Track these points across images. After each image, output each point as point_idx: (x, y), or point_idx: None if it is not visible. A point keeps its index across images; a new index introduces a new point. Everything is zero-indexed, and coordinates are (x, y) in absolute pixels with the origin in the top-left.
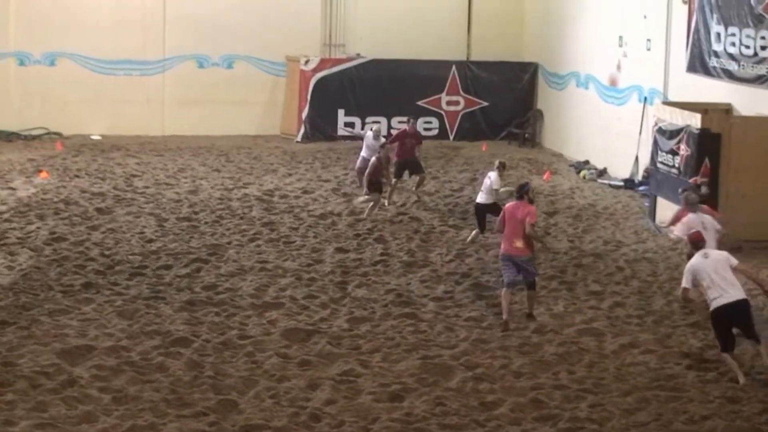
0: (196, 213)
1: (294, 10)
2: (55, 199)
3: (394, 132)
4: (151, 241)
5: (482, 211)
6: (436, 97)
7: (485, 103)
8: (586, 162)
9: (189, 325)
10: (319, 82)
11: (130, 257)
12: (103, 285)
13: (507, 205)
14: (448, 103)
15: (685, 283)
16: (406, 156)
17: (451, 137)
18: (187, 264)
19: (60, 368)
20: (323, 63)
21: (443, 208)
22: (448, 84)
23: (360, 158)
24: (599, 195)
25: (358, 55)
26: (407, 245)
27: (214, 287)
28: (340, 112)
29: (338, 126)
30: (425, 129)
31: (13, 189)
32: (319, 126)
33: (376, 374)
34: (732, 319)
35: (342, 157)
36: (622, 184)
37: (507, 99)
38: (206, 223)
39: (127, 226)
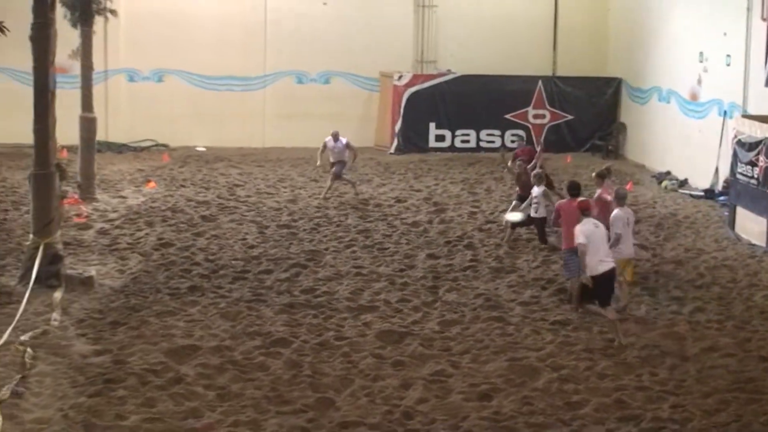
0: (295, 221)
1: (388, 29)
2: (163, 207)
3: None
4: (252, 247)
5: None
6: (523, 110)
7: (570, 117)
8: (668, 173)
9: (288, 327)
10: (412, 97)
11: (233, 262)
12: (208, 288)
13: (561, 202)
14: (535, 116)
15: (583, 240)
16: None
17: (538, 149)
18: (287, 269)
19: (167, 366)
20: (415, 78)
21: None
22: (534, 98)
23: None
24: (680, 205)
25: (449, 71)
26: (495, 252)
27: (312, 291)
28: (431, 125)
29: (429, 138)
30: (512, 142)
31: (123, 197)
32: (411, 138)
33: (465, 374)
34: (604, 283)
35: (433, 168)
36: (702, 194)
37: (591, 112)
38: (304, 230)
39: (230, 233)
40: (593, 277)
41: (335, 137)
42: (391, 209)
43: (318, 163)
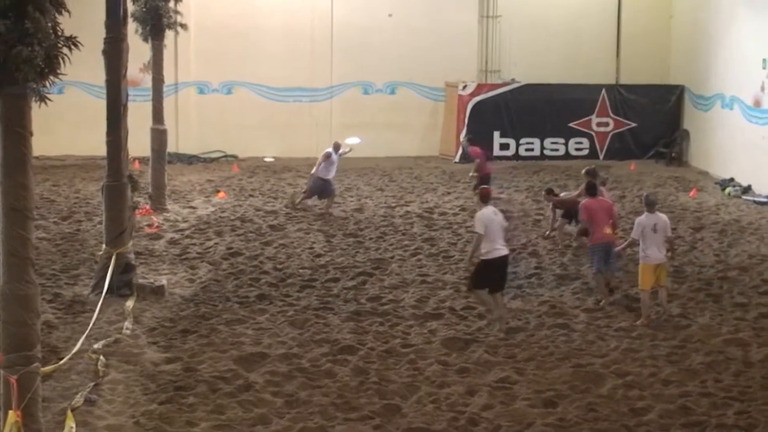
0: (361, 229)
1: (452, 39)
2: (232, 217)
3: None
4: (319, 255)
5: None
6: (587, 118)
7: (633, 124)
8: (731, 179)
9: (355, 334)
10: (476, 106)
11: (301, 271)
12: (276, 296)
13: (585, 202)
14: (598, 124)
15: (480, 229)
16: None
17: (601, 157)
18: (353, 277)
19: (237, 374)
20: (480, 88)
21: None
22: (598, 106)
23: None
24: (744, 211)
25: (513, 80)
26: (560, 259)
27: (378, 299)
28: (496, 134)
29: (494, 147)
30: (576, 149)
31: (193, 208)
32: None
33: (530, 381)
34: (498, 268)
35: (497, 176)
36: (766, 200)
37: (654, 120)
38: (371, 239)
39: (298, 242)
40: (486, 261)
41: (336, 149)
42: (455, 218)
43: (312, 176)
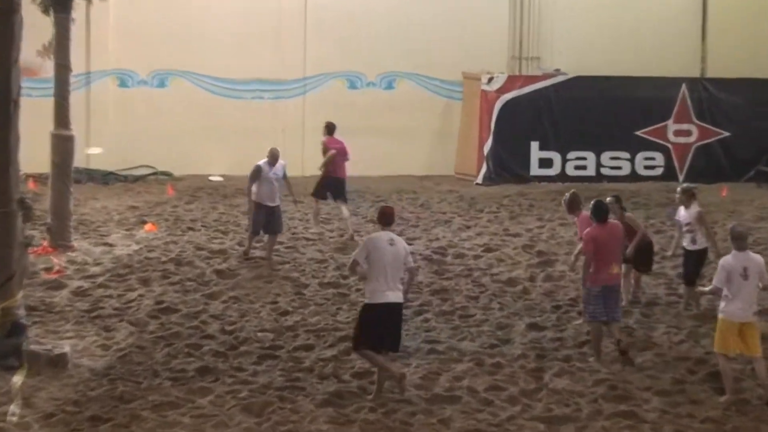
0: (345, 277)
1: (474, 16)
2: (164, 259)
3: None
4: (286, 313)
5: None
6: (661, 125)
7: (726, 134)
8: None
9: (335, 425)
10: (507, 107)
11: (260, 334)
12: (224, 370)
13: (591, 230)
14: (677, 133)
15: (359, 258)
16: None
17: (681, 178)
18: (333, 343)
19: None
20: (511, 82)
21: (671, 272)
22: (676, 108)
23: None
24: None
25: (558, 72)
26: (623, 320)
27: (368, 374)
28: (533, 146)
29: (531, 163)
30: (646, 167)
31: (109, 245)
32: (507, 164)
33: None
34: (384, 320)
35: (536, 203)
36: None
37: (756, 127)
38: (358, 290)
39: (256, 294)
40: (367, 307)
41: (274, 159)
42: (477, 261)
43: (248, 205)
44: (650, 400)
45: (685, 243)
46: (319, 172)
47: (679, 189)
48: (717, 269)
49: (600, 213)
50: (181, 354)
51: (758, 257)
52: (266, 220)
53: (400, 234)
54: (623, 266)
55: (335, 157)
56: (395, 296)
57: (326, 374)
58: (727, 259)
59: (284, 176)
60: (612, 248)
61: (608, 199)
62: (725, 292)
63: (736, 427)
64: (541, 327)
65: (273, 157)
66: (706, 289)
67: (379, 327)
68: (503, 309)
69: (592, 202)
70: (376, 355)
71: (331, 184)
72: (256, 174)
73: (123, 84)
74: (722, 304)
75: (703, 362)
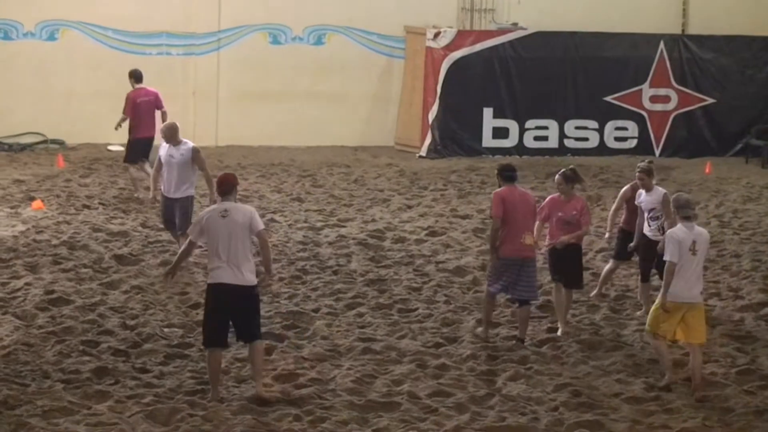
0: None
1: None
2: (54, 242)
3: None
4: (197, 306)
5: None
6: (635, 90)
7: (710, 100)
8: None
9: None
10: (456, 67)
11: (166, 330)
12: (125, 372)
13: (500, 191)
14: (654, 99)
15: (191, 233)
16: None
17: (658, 152)
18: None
19: None
20: (462, 38)
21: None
22: (653, 70)
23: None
24: None
25: (515, 26)
26: (589, 316)
27: (293, 377)
28: (487, 113)
29: (483, 134)
30: (617, 139)
31: None
32: (456, 134)
33: None
34: (221, 304)
35: (489, 180)
36: None
37: (744, 93)
38: (282, 279)
39: (162, 284)
40: (207, 289)
41: (171, 135)
42: (420, 247)
43: (151, 193)
44: (619, 408)
45: (649, 232)
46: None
47: (639, 167)
48: (666, 243)
49: (508, 173)
50: (74, 352)
51: (705, 231)
52: (170, 213)
53: (330, 214)
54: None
55: (142, 114)
56: (232, 276)
57: (244, 377)
58: (676, 232)
59: (197, 163)
60: (522, 215)
61: (641, 164)
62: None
63: None
64: (494, 323)
65: (168, 134)
66: (663, 283)
67: (216, 313)
68: (450, 302)
69: (500, 164)
70: (214, 362)
71: (144, 144)
72: (159, 159)
73: (6, 36)
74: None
75: (680, 365)
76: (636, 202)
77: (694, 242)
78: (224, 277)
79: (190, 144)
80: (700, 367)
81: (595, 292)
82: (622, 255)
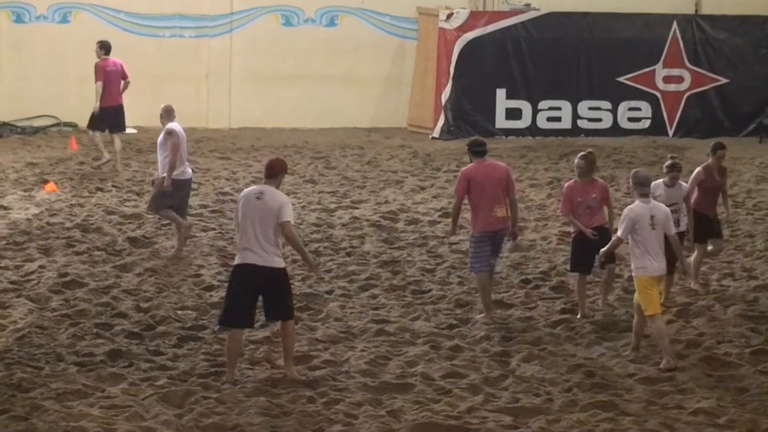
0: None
1: None
2: (68, 224)
3: None
4: (211, 288)
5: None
6: (648, 70)
7: (724, 80)
8: None
9: (267, 417)
10: (469, 48)
11: (180, 313)
12: (139, 354)
13: (466, 169)
14: (667, 79)
15: (235, 214)
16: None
17: (671, 132)
18: (266, 324)
19: None
20: (474, 19)
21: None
22: (666, 50)
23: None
24: None
25: (528, 7)
26: (602, 297)
27: (306, 359)
28: (500, 94)
29: (496, 115)
30: (630, 120)
31: (4, 208)
32: (469, 115)
33: None
34: (243, 285)
35: (503, 161)
36: None
37: (757, 73)
38: (295, 261)
39: (176, 266)
40: (232, 269)
41: (169, 115)
42: (434, 228)
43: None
44: (633, 389)
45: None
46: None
47: (671, 159)
48: (621, 219)
49: (476, 148)
50: (88, 335)
51: (663, 206)
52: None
53: (343, 196)
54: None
55: (111, 83)
56: (258, 257)
57: (258, 359)
58: (633, 208)
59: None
60: (491, 189)
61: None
62: (632, 246)
63: (732, 420)
64: (508, 304)
65: (168, 114)
66: (608, 246)
67: (240, 293)
68: (463, 284)
69: (469, 139)
70: (233, 343)
71: (111, 113)
72: (169, 134)
73: (19, 19)
74: (635, 262)
75: (695, 345)
76: (654, 196)
77: (652, 217)
78: (250, 257)
79: (173, 126)
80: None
81: (693, 284)
82: (699, 238)
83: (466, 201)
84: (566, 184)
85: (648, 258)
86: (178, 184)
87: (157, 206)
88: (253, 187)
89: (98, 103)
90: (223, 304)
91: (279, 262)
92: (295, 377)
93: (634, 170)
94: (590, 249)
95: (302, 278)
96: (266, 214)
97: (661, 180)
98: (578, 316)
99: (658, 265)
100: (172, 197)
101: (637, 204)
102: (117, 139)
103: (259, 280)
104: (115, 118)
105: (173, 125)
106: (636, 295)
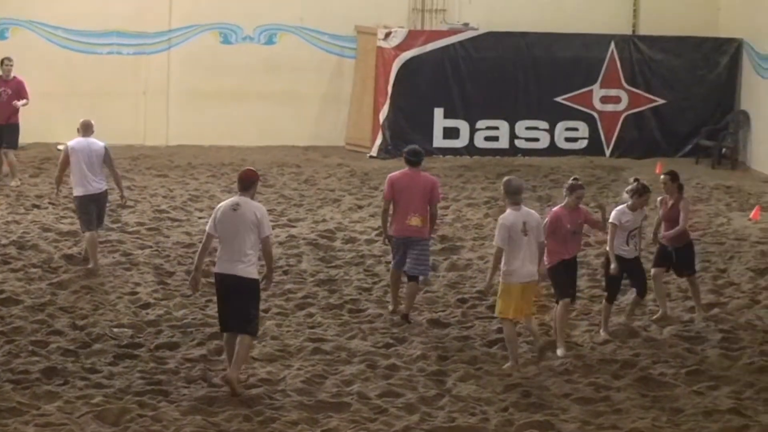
0: (215, 263)
1: None
2: (3, 241)
3: None
4: (147, 306)
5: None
6: (586, 90)
7: (661, 101)
8: None
9: None
10: (407, 67)
11: (116, 330)
12: (75, 372)
13: (393, 176)
14: (605, 99)
15: (208, 227)
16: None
17: (608, 152)
18: (202, 342)
19: None
20: (413, 37)
21: (595, 261)
22: (603, 70)
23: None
24: None
25: (466, 26)
26: (539, 317)
27: (242, 377)
28: (437, 113)
29: (434, 134)
30: (567, 140)
31: None
32: (406, 134)
33: None
34: (222, 293)
35: (440, 181)
36: None
37: (694, 94)
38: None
39: (112, 284)
40: (214, 275)
41: (86, 130)
42: (371, 247)
43: (55, 192)
44: (569, 408)
45: (626, 251)
46: None
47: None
48: (497, 229)
49: (408, 157)
50: (24, 353)
51: (535, 213)
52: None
53: (281, 214)
54: (657, 270)
55: None
56: (233, 267)
57: (194, 377)
58: (506, 217)
59: (106, 159)
60: (411, 197)
61: (663, 177)
62: (505, 252)
63: None
64: (444, 324)
65: (86, 128)
66: (490, 266)
67: (221, 301)
68: (400, 303)
69: (410, 147)
70: (228, 346)
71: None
72: (66, 157)
73: None
74: (504, 267)
75: (630, 365)
76: (617, 221)
77: (524, 223)
78: (224, 267)
79: (102, 144)
80: (537, 329)
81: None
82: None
83: None
84: (554, 210)
85: (517, 263)
86: (81, 202)
87: (83, 227)
88: (230, 199)
89: None
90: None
91: (253, 273)
92: (235, 380)
93: (506, 178)
94: (572, 273)
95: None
96: (243, 225)
97: (624, 205)
98: (558, 353)
99: (526, 271)
100: (88, 214)
101: (509, 212)
102: (11, 154)
103: (230, 288)
104: (6, 133)
105: (71, 142)
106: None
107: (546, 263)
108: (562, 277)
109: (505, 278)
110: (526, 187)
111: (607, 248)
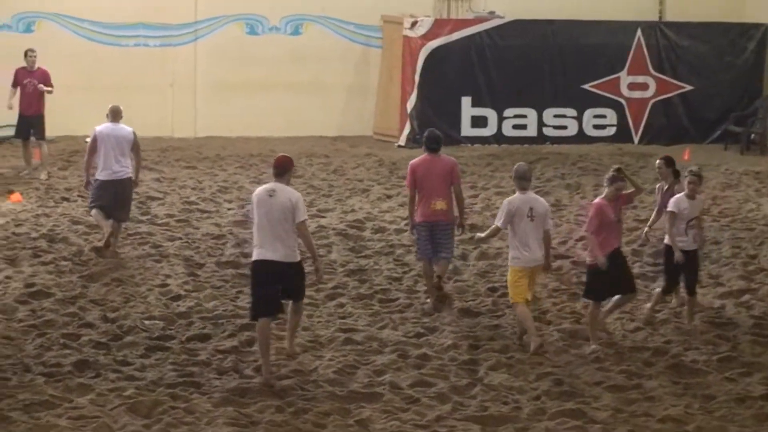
0: (246, 255)
1: None
2: (34, 234)
3: None
4: (178, 298)
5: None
6: (613, 77)
7: (688, 87)
8: None
9: (236, 427)
10: (433, 56)
11: (147, 323)
12: (107, 365)
13: (413, 162)
14: (632, 86)
15: (249, 213)
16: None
17: (636, 139)
18: (234, 333)
19: None
20: (439, 26)
21: (625, 247)
22: (630, 58)
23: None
24: None
25: (493, 15)
26: (570, 305)
27: (274, 368)
28: (464, 102)
29: (462, 123)
30: (595, 127)
31: None
32: (434, 123)
33: None
34: (261, 280)
35: (469, 169)
36: None
37: (721, 80)
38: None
39: (142, 276)
40: (255, 263)
41: (115, 116)
42: (400, 237)
43: (85, 179)
44: (601, 396)
45: (684, 242)
46: None
47: (691, 172)
48: (500, 210)
49: (428, 144)
50: (55, 345)
51: (543, 200)
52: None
53: (310, 205)
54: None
55: (25, 91)
56: (274, 254)
57: (225, 368)
58: (512, 200)
59: (134, 146)
60: (432, 182)
61: (657, 161)
62: (511, 237)
63: (700, 428)
64: (475, 313)
65: (115, 114)
66: (483, 234)
67: (262, 288)
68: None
69: (429, 132)
70: (261, 332)
71: (27, 122)
72: (95, 143)
73: None
74: (511, 252)
75: (661, 353)
76: (675, 209)
77: (531, 209)
78: (267, 254)
79: (129, 130)
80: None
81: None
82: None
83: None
84: (596, 202)
85: (524, 249)
86: (101, 185)
87: (90, 203)
88: (265, 185)
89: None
90: (251, 299)
91: (295, 256)
92: (293, 352)
93: (516, 164)
94: (621, 263)
95: None
96: (279, 211)
97: (682, 193)
98: (590, 349)
99: (532, 256)
100: (101, 198)
101: (516, 196)
102: (44, 146)
103: (277, 274)
104: (33, 125)
105: (99, 126)
106: (511, 290)
107: (598, 255)
108: (609, 272)
109: (514, 263)
110: (555, 176)
111: (666, 238)
